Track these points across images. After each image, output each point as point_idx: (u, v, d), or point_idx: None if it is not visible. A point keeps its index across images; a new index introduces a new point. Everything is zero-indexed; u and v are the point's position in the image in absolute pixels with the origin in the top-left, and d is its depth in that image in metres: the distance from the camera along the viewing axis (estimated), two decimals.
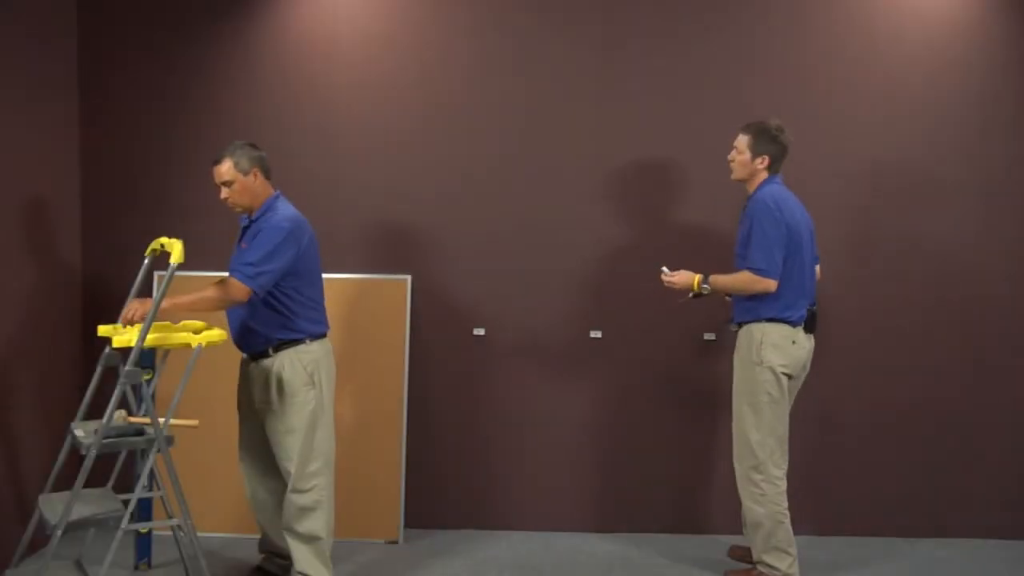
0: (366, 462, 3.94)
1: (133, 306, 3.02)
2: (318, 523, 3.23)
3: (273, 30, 4.03)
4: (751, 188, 3.48)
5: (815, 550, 3.84)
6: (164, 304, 2.92)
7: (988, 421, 4.03)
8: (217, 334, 3.16)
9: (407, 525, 3.99)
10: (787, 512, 3.40)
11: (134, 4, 4.04)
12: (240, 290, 3.02)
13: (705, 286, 3.47)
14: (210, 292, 3.03)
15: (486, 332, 4.06)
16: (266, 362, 3.20)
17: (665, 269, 3.55)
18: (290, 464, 3.20)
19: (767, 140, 3.43)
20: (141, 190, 4.04)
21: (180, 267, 2.98)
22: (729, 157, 3.52)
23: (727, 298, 3.62)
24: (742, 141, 3.48)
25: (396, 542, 3.93)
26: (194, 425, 3.21)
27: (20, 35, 3.63)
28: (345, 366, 3.94)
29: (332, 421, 3.31)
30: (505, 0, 4.01)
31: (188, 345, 3.08)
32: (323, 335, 3.30)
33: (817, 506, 3.98)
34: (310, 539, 3.23)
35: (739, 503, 3.59)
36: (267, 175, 3.26)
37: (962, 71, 3.98)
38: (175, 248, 2.98)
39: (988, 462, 4.03)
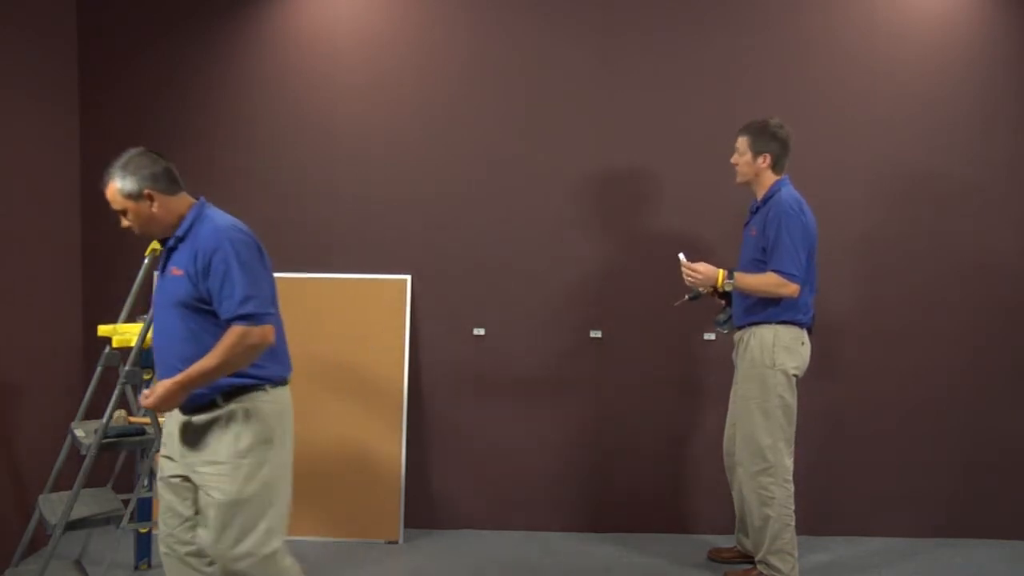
0: (366, 462, 3.94)
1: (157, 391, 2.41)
2: None
3: (273, 30, 4.03)
4: (761, 191, 3.44)
5: (815, 550, 3.84)
6: (185, 380, 2.37)
7: (988, 422, 4.02)
8: None
9: (407, 525, 3.99)
10: (794, 515, 3.40)
11: (134, 4, 4.04)
12: (259, 334, 2.40)
13: (729, 281, 3.33)
14: (225, 353, 2.38)
15: (486, 332, 4.06)
16: (209, 415, 2.48)
17: (682, 257, 3.41)
18: (215, 540, 2.47)
19: (767, 138, 3.41)
20: None
21: None
22: (732, 160, 3.49)
23: (719, 300, 3.60)
24: (742, 142, 3.45)
25: (396, 542, 3.93)
26: None
27: (20, 35, 3.63)
28: (345, 366, 3.95)
29: (290, 488, 2.62)
30: (505, 1, 4.01)
31: None
32: (285, 381, 2.61)
33: (817, 506, 3.98)
34: None
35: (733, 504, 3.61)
36: (171, 189, 2.53)
37: (963, 70, 3.98)
38: None
39: (988, 462, 4.03)
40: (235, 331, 2.37)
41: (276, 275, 4.04)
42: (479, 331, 4.06)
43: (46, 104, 3.83)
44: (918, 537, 4.02)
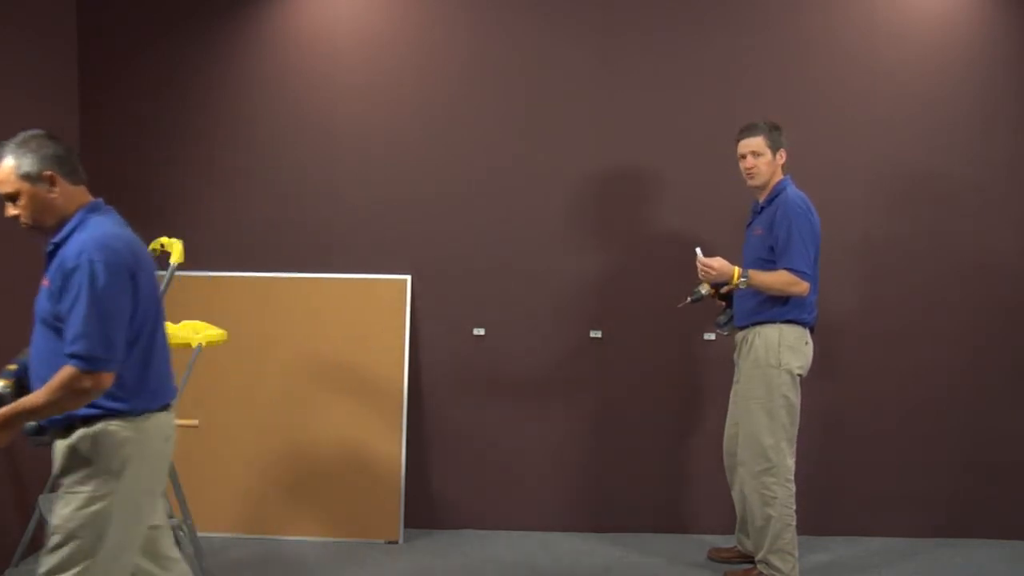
0: (366, 462, 3.94)
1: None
2: None
3: (273, 30, 4.03)
4: (766, 190, 3.44)
5: (815, 550, 3.84)
6: (10, 415, 2.17)
7: (988, 422, 4.02)
8: (217, 334, 3.16)
9: (407, 525, 3.99)
10: (795, 515, 3.39)
11: (134, 4, 4.04)
12: (92, 381, 2.12)
13: (744, 279, 3.31)
14: (52, 394, 2.13)
15: (486, 332, 4.06)
16: (69, 439, 2.23)
17: (699, 251, 3.39)
18: (41, 563, 2.24)
19: (778, 133, 3.41)
20: (141, 190, 4.04)
21: (180, 267, 2.98)
22: (747, 165, 3.42)
23: (720, 302, 3.60)
24: (758, 143, 3.39)
25: (396, 542, 3.93)
26: (194, 425, 3.22)
27: (20, 35, 3.62)
28: (345, 366, 3.95)
29: (138, 528, 2.31)
30: (505, 1, 4.01)
31: (188, 345, 3.08)
32: (154, 409, 2.31)
33: (817, 506, 3.98)
34: None
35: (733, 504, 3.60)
36: (74, 177, 2.29)
37: (963, 70, 3.98)
38: (175, 248, 2.99)
39: (988, 462, 4.03)
40: (65, 371, 2.11)
41: (276, 275, 4.08)
42: (479, 331, 4.06)
43: (46, 104, 3.82)
44: (918, 537, 4.02)
